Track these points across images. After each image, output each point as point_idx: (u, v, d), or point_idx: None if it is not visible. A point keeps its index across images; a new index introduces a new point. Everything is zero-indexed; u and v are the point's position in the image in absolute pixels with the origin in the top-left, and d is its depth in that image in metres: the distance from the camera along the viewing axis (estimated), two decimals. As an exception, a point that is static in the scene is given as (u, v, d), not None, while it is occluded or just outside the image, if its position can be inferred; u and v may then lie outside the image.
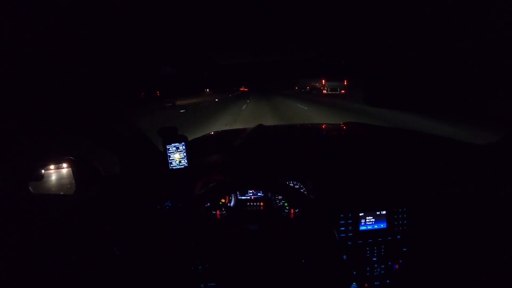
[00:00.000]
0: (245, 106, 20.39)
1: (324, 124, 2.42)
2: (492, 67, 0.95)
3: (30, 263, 1.18)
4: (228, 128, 2.30)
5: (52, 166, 1.54)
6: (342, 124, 2.23)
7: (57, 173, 1.58)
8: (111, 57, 1.12)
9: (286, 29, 1.06)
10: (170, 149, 1.47)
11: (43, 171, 1.49)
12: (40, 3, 0.58)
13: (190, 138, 1.56)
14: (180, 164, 1.48)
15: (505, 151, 1.35)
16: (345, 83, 24.90)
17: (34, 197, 1.42)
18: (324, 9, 0.84)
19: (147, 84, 1.67)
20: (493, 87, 1.02)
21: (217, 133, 2.32)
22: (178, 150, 1.47)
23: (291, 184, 1.52)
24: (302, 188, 1.52)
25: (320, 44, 1.29)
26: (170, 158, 1.47)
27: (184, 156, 1.48)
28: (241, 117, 13.70)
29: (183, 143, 1.47)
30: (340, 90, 27.33)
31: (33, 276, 1.17)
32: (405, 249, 1.37)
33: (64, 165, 1.55)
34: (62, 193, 1.56)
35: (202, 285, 1.33)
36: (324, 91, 28.64)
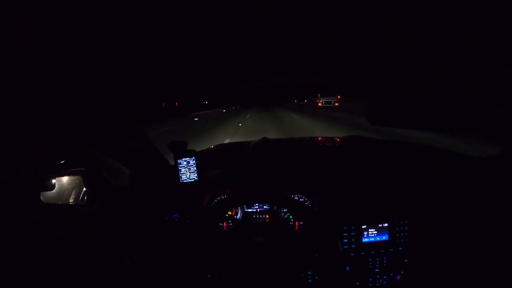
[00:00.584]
0: (248, 115, 24.54)
1: (328, 137, 2.46)
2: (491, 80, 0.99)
3: (41, 273, 1.19)
4: (233, 141, 2.32)
5: (64, 178, 1.59)
6: (345, 137, 2.27)
7: (68, 183, 1.62)
8: (127, 77, 1.16)
9: (291, 60, 1.11)
10: (181, 163, 1.52)
11: (54, 181, 1.52)
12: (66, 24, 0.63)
13: (201, 139, 1.61)
14: (190, 178, 1.54)
15: (506, 164, 1.38)
16: (339, 97, 27.82)
17: (45, 207, 1.45)
18: (324, 39, 0.88)
19: (165, 98, 1.71)
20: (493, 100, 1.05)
21: (223, 146, 2.36)
22: (189, 164, 1.52)
23: (296, 198, 1.57)
24: (306, 201, 1.56)
25: (322, 72, 1.35)
26: (181, 172, 1.53)
27: (195, 170, 1.53)
28: (245, 123, 16.96)
29: (193, 157, 1.52)
30: (334, 103, 30.26)
31: (45, 286, 1.19)
32: (406, 260, 1.41)
33: (77, 176, 1.60)
34: (72, 203, 1.60)
35: None
36: (320, 104, 31.74)
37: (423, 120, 1.05)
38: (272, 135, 10.65)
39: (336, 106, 29.15)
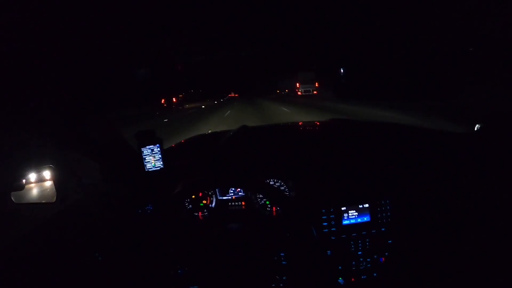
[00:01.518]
0: (235, 103, 32.38)
1: (305, 122, 2.41)
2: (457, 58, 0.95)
3: (13, 273, 1.17)
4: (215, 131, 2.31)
5: (33, 176, 1.56)
6: (322, 121, 2.23)
7: (38, 183, 1.60)
8: (89, 66, 1.12)
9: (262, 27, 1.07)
10: (145, 151, 1.46)
11: (24, 180, 1.49)
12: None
13: (198, 122, 1.57)
14: (156, 166, 1.47)
15: (485, 139, 1.35)
16: (317, 85, 28.70)
17: (16, 207, 1.43)
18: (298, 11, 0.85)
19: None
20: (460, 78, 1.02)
21: (201, 136, 2.32)
22: (153, 152, 1.45)
23: (271, 183, 1.50)
24: (282, 186, 1.50)
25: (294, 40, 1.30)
26: (145, 161, 1.46)
27: (160, 158, 1.46)
28: (234, 109, 22.04)
29: (157, 145, 1.45)
30: (313, 91, 31.73)
31: (17, 285, 1.17)
32: (390, 241, 1.35)
33: (46, 173, 1.57)
34: (44, 201, 1.57)
35: None
36: (299, 93, 33.56)
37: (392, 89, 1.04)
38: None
39: (315, 94, 30.05)
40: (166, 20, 0.97)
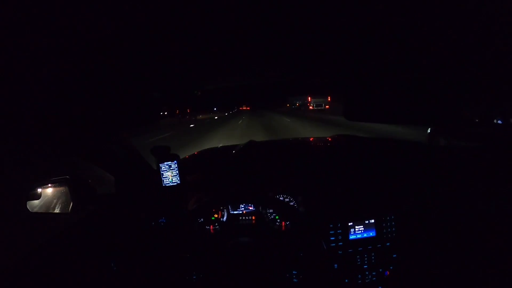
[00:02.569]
0: (244, 116, 31.44)
1: (313, 137, 2.46)
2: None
3: (29, 282, 1.19)
4: (222, 145, 2.33)
5: (49, 186, 1.59)
6: (329, 137, 2.28)
7: (54, 192, 1.63)
8: (113, 84, 1.17)
9: (275, 55, 1.12)
10: (163, 167, 1.52)
11: (40, 190, 1.53)
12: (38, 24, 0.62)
13: (209, 133, 1.61)
14: (173, 181, 1.53)
15: (488, 155, 1.41)
16: (329, 99, 27.85)
17: (32, 216, 1.45)
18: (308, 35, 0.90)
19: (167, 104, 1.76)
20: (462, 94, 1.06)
21: (210, 150, 2.37)
22: (171, 168, 1.52)
23: (281, 198, 1.56)
24: (292, 201, 1.55)
25: (304, 67, 1.36)
26: (163, 176, 1.53)
27: (177, 173, 1.53)
28: (244, 121, 23.19)
29: (175, 161, 1.52)
30: (325, 106, 30.80)
31: None
32: (395, 255, 1.41)
33: (62, 184, 1.60)
34: (58, 211, 1.60)
35: None
36: (311, 107, 32.47)
37: (398, 114, 1.06)
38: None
39: (327, 108, 29.35)
40: (188, 58, 1.03)
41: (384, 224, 1.42)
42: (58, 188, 1.58)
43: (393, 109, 1.08)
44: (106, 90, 1.23)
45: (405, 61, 1.07)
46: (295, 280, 1.29)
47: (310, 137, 2.51)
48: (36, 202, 1.50)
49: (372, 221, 1.41)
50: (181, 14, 0.66)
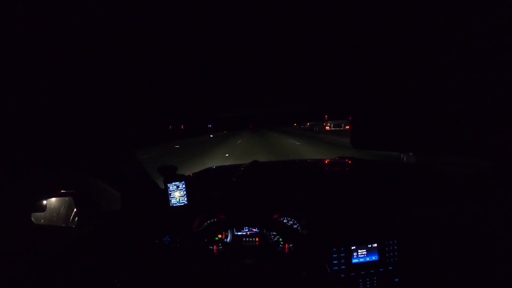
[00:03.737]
0: (245, 134, 30.99)
1: (316, 159, 2.49)
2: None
3: None
4: (224, 164, 2.33)
5: (55, 200, 1.59)
6: (334, 159, 2.29)
7: (59, 205, 1.63)
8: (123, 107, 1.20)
9: (281, 85, 1.15)
10: (171, 187, 1.54)
11: (44, 202, 1.53)
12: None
13: (215, 148, 1.61)
14: (180, 202, 1.55)
15: (488, 181, 1.39)
16: (350, 118, 26.09)
17: (36, 228, 1.45)
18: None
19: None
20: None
21: (213, 169, 2.38)
22: (178, 188, 1.54)
23: (285, 220, 1.58)
24: (295, 224, 1.57)
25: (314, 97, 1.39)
26: (171, 196, 1.54)
27: (184, 194, 1.55)
28: (243, 140, 22.62)
29: (183, 182, 1.54)
30: (345, 126, 28.34)
31: None
32: (397, 279, 1.41)
33: (68, 198, 1.60)
34: (63, 225, 1.60)
35: None
36: (327, 127, 30.05)
37: (404, 143, 1.08)
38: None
39: (348, 129, 26.14)
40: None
41: (386, 248, 1.43)
42: (63, 202, 1.59)
43: (397, 138, 1.09)
44: (120, 109, 1.26)
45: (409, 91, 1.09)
46: None
47: (313, 159, 2.53)
48: (41, 214, 1.51)
49: (375, 245, 1.42)
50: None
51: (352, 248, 1.41)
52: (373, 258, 1.42)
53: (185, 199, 1.55)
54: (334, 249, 1.40)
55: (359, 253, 1.41)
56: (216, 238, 1.57)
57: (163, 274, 1.36)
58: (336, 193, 1.65)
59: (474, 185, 1.48)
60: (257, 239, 1.57)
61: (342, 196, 1.63)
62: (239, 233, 1.58)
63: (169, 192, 1.55)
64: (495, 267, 1.32)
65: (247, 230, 1.58)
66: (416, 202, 1.54)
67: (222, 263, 1.43)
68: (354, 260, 1.41)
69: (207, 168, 2.17)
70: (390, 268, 1.42)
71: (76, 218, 1.54)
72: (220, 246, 1.56)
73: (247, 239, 1.57)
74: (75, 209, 1.55)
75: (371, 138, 1.17)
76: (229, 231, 1.58)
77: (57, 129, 1.11)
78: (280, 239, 1.54)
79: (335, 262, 1.39)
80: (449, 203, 1.49)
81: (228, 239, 1.58)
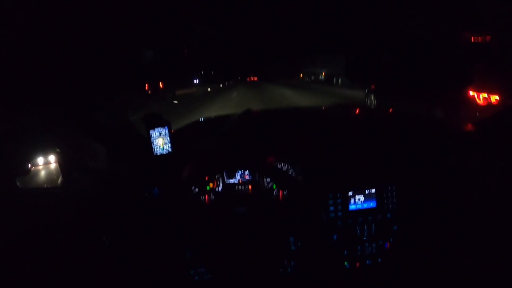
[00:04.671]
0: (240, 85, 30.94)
1: (313, 106, 2.41)
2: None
3: (19, 258, 1.18)
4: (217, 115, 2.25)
5: (38, 161, 1.55)
6: (330, 105, 2.22)
7: (44, 167, 1.59)
8: (95, 49, 1.11)
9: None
10: (153, 134, 1.44)
11: (29, 165, 1.49)
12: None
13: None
14: (164, 149, 1.46)
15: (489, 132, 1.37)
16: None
17: (22, 192, 1.42)
18: None
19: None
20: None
21: (205, 120, 2.31)
22: (161, 135, 1.44)
23: (279, 166, 1.51)
24: (290, 170, 1.50)
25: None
26: (154, 144, 1.45)
27: (168, 141, 1.45)
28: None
29: (165, 127, 1.44)
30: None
31: (23, 271, 1.17)
32: (395, 227, 1.37)
33: (51, 158, 1.56)
34: (49, 186, 1.56)
35: (192, 272, 1.32)
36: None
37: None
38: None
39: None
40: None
41: (385, 195, 1.36)
42: (47, 162, 1.55)
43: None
44: (96, 51, 1.16)
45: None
46: (293, 248, 1.26)
47: (308, 107, 2.46)
48: (25, 177, 1.47)
49: (373, 191, 1.35)
50: None
51: (349, 194, 1.35)
52: (371, 205, 1.36)
53: (170, 146, 1.46)
54: (330, 195, 1.34)
55: (356, 200, 1.35)
56: (208, 188, 1.50)
57: (154, 227, 1.33)
58: (333, 139, 1.58)
59: (478, 136, 1.43)
60: (249, 187, 1.52)
61: (339, 141, 1.56)
62: (231, 181, 1.53)
63: (152, 140, 1.45)
64: (496, 220, 1.28)
65: (239, 177, 1.53)
66: (418, 150, 1.47)
67: (214, 213, 1.39)
68: (351, 207, 1.35)
69: (193, 121, 2.09)
70: (388, 215, 1.37)
71: (61, 178, 1.50)
72: (211, 195, 1.51)
73: (239, 187, 1.53)
74: (60, 169, 1.51)
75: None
76: (220, 179, 1.52)
77: (35, 79, 1.03)
78: (274, 186, 1.48)
79: (332, 209, 1.34)
80: (452, 153, 1.44)
81: (220, 188, 1.52)
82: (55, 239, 1.25)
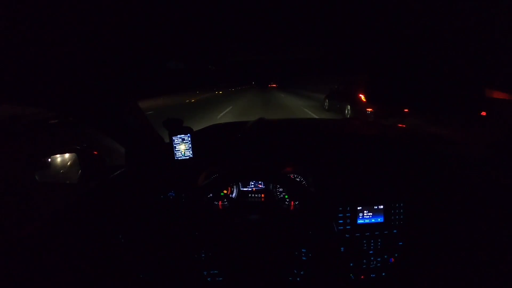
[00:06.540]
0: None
1: (326, 119, 2.45)
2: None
3: (36, 252, 1.18)
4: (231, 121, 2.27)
5: (58, 156, 1.57)
6: (343, 119, 2.25)
7: (63, 162, 1.61)
8: (120, 50, 1.13)
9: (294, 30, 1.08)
10: (176, 140, 1.50)
11: (49, 160, 1.51)
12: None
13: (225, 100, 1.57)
14: (185, 155, 1.51)
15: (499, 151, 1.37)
16: None
17: (40, 186, 1.44)
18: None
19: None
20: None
21: (220, 126, 2.34)
22: (184, 141, 1.50)
23: (292, 177, 1.56)
24: (303, 181, 1.55)
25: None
26: (176, 149, 1.51)
27: (189, 147, 1.51)
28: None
29: (188, 134, 1.50)
30: None
31: (39, 264, 1.18)
32: (401, 243, 1.42)
33: (71, 154, 1.58)
34: (67, 181, 1.59)
35: (205, 273, 1.36)
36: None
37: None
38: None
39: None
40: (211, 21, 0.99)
41: (392, 211, 1.42)
42: (67, 158, 1.57)
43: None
44: (121, 56, 1.19)
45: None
46: (303, 258, 1.30)
47: (322, 119, 2.49)
48: (45, 171, 1.50)
49: (381, 207, 1.42)
50: None
51: (358, 208, 1.41)
52: (379, 220, 1.42)
53: (190, 152, 1.52)
54: (340, 209, 1.40)
55: (365, 214, 1.41)
56: (222, 194, 1.56)
57: (167, 229, 1.37)
58: (345, 153, 1.62)
59: (488, 155, 1.42)
60: (262, 196, 1.56)
61: (351, 156, 1.59)
62: (245, 189, 1.57)
63: (174, 145, 1.51)
64: (505, 242, 1.28)
65: (253, 186, 1.57)
66: (427, 167, 1.50)
67: (227, 219, 1.42)
68: (360, 221, 1.41)
69: (210, 125, 2.12)
70: (394, 231, 1.42)
71: (80, 175, 1.52)
72: (225, 201, 1.56)
73: (253, 195, 1.57)
74: (79, 165, 1.53)
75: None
76: (235, 186, 1.57)
77: (58, 83, 1.04)
78: (286, 196, 1.53)
79: (341, 221, 1.39)
80: (462, 172, 1.44)
81: (234, 195, 1.57)
82: (72, 235, 1.28)
